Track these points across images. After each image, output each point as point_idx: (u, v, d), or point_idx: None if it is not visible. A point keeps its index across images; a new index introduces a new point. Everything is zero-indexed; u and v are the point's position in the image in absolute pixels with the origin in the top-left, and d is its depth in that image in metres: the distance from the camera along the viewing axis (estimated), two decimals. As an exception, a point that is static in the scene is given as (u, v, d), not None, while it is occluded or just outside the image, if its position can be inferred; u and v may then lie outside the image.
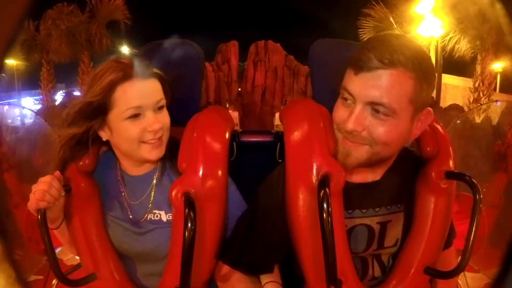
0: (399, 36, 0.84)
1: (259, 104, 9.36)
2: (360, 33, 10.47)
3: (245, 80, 9.45)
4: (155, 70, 0.96)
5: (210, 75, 9.09)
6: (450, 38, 9.49)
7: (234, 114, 1.14)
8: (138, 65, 0.92)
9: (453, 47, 9.51)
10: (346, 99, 0.83)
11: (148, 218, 0.99)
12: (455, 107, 7.34)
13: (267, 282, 0.99)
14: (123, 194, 1.02)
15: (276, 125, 1.19)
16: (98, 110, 0.91)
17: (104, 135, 0.96)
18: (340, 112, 0.85)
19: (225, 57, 9.46)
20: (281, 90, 9.35)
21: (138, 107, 0.90)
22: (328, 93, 1.07)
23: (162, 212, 0.98)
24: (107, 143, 0.99)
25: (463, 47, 9.44)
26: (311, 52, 1.13)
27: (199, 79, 1.17)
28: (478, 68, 9.57)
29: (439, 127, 0.98)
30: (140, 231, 0.99)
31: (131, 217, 1.00)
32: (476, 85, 9.61)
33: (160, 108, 0.95)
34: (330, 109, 0.97)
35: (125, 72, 0.90)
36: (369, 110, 0.80)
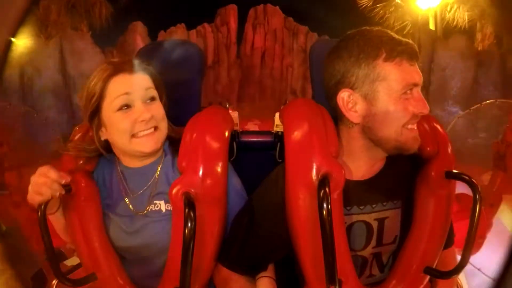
0: None
1: (258, 67, 9.29)
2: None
3: (244, 43, 9.41)
4: (145, 66, 1.00)
5: (209, 35, 9.02)
6: (450, 7, 9.34)
7: (234, 114, 1.13)
8: (127, 62, 0.98)
9: (453, 16, 9.36)
10: (406, 92, 0.86)
11: (149, 209, 1.00)
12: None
13: (261, 277, 0.99)
14: (123, 188, 1.03)
15: (276, 125, 1.19)
16: (95, 108, 0.96)
17: (102, 134, 1.00)
18: (408, 104, 0.86)
19: (224, 20, 9.41)
20: (281, 52, 9.32)
21: (126, 93, 0.94)
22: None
23: (162, 202, 0.99)
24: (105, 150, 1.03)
25: (462, 16, 9.29)
26: (311, 52, 1.14)
27: (199, 79, 1.17)
28: (479, 36, 9.46)
29: (438, 126, 0.98)
30: (140, 224, 0.99)
31: (132, 210, 1.01)
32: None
33: (151, 99, 0.98)
34: (330, 109, 0.97)
35: (115, 68, 0.95)
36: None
